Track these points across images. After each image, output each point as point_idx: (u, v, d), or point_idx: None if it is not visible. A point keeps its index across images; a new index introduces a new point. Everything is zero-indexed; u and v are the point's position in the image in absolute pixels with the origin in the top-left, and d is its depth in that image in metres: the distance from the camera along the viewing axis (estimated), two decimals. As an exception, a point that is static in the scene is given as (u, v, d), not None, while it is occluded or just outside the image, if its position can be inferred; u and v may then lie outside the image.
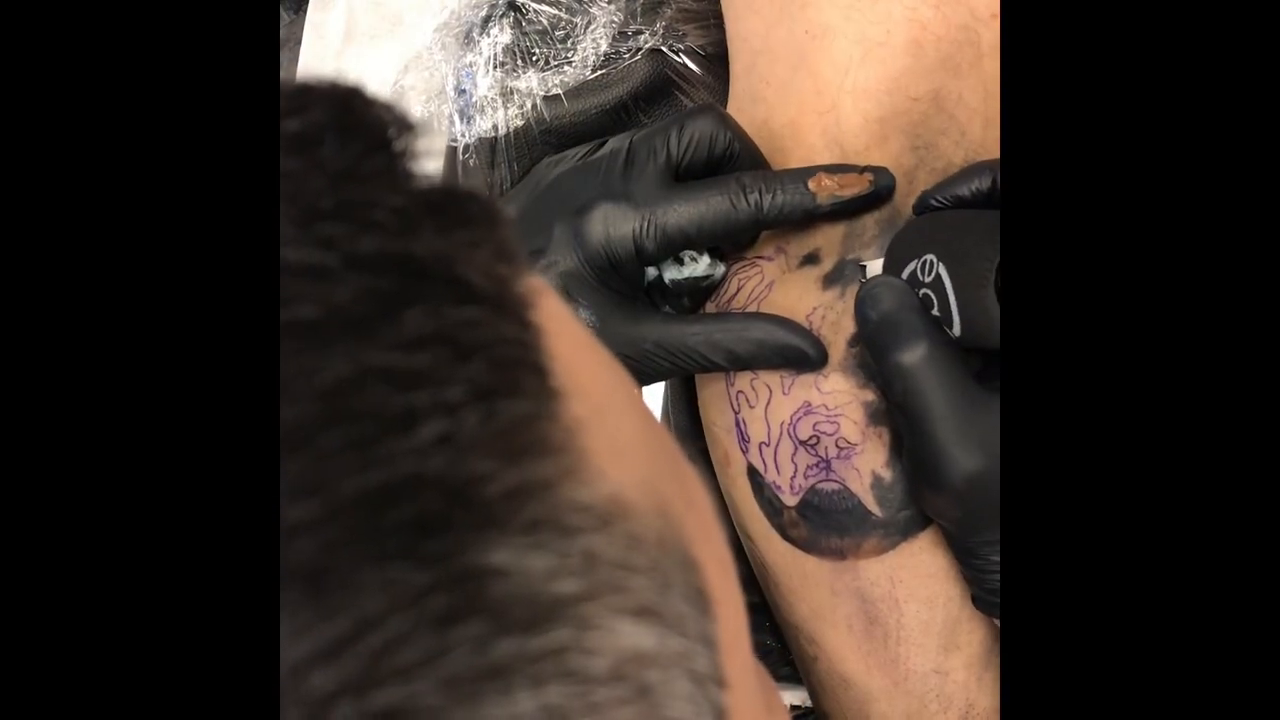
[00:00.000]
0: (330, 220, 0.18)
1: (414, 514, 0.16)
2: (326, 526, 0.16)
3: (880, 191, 0.43)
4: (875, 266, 0.44)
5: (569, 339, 0.21)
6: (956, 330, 0.39)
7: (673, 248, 0.44)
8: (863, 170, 0.43)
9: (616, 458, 0.20)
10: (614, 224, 0.43)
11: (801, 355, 0.43)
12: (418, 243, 0.19)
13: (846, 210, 0.44)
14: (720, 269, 0.47)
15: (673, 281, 0.47)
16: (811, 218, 0.44)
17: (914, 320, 0.39)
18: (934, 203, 0.42)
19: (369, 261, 0.18)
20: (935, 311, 0.39)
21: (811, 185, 0.43)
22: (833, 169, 0.44)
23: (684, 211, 0.43)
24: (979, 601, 0.42)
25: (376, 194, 0.19)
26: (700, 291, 0.48)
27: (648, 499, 0.20)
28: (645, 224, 0.43)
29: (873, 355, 0.40)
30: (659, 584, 0.19)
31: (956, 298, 0.38)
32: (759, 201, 0.43)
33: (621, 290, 0.45)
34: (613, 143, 0.46)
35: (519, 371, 0.19)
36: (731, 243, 0.47)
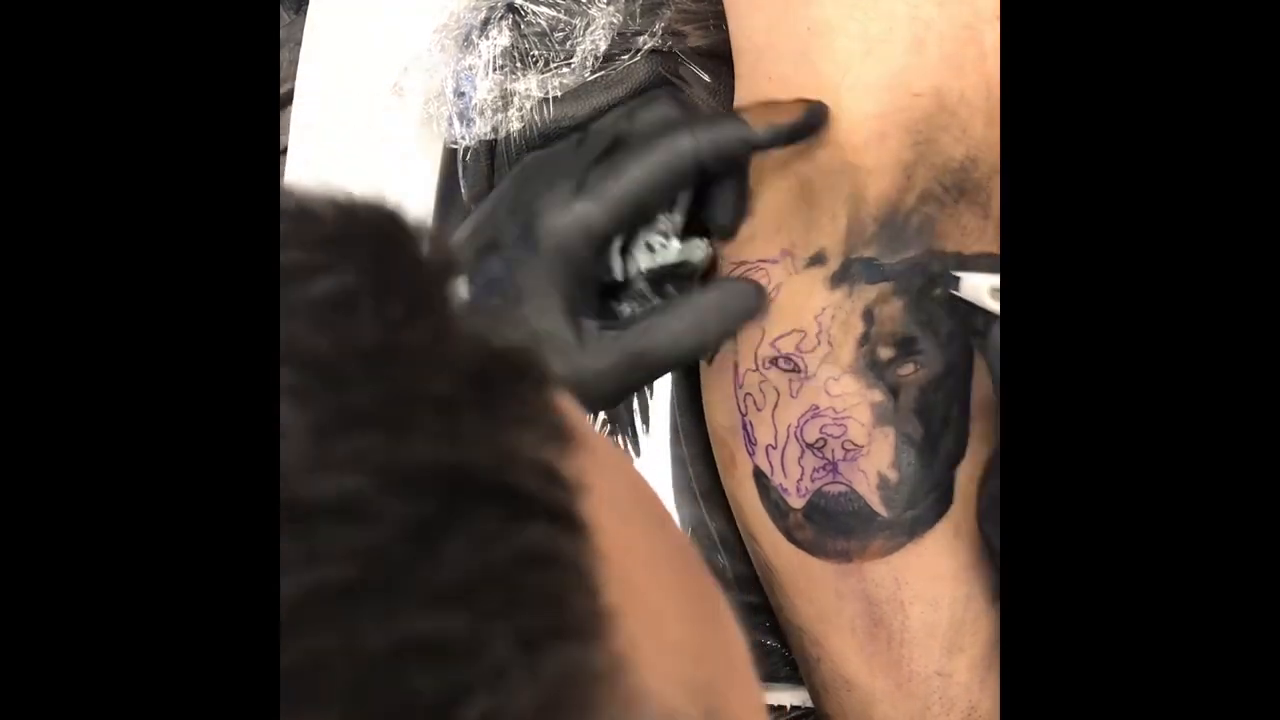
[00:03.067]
0: (364, 429, 0.16)
1: None
2: None
3: (814, 118, 0.43)
4: (973, 281, 0.41)
5: (617, 517, 0.19)
6: None
7: (624, 217, 0.42)
8: (794, 102, 0.43)
9: (665, 666, 0.18)
10: (562, 214, 0.42)
11: (753, 302, 0.43)
12: (464, 446, 0.17)
13: (786, 139, 0.43)
14: (699, 252, 0.46)
15: (649, 270, 0.45)
16: (749, 149, 0.43)
17: None
18: None
19: (409, 482, 0.16)
20: None
21: (745, 116, 0.43)
22: (763, 105, 0.43)
23: (623, 173, 0.42)
24: None
25: (418, 380, 0.17)
26: (683, 279, 0.46)
27: (697, 704, 0.19)
28: (593, 199, 0.42)
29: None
30: None
31: (1004, 319, 0.37)
32: (694, 136, 0.42)
33: (580, 296, 0.43)
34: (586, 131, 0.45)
35: (570, 600, 0.17)
36: (681, 193, 0.45)
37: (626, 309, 0.46)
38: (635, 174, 0.42)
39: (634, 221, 0.44)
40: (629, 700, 0.17)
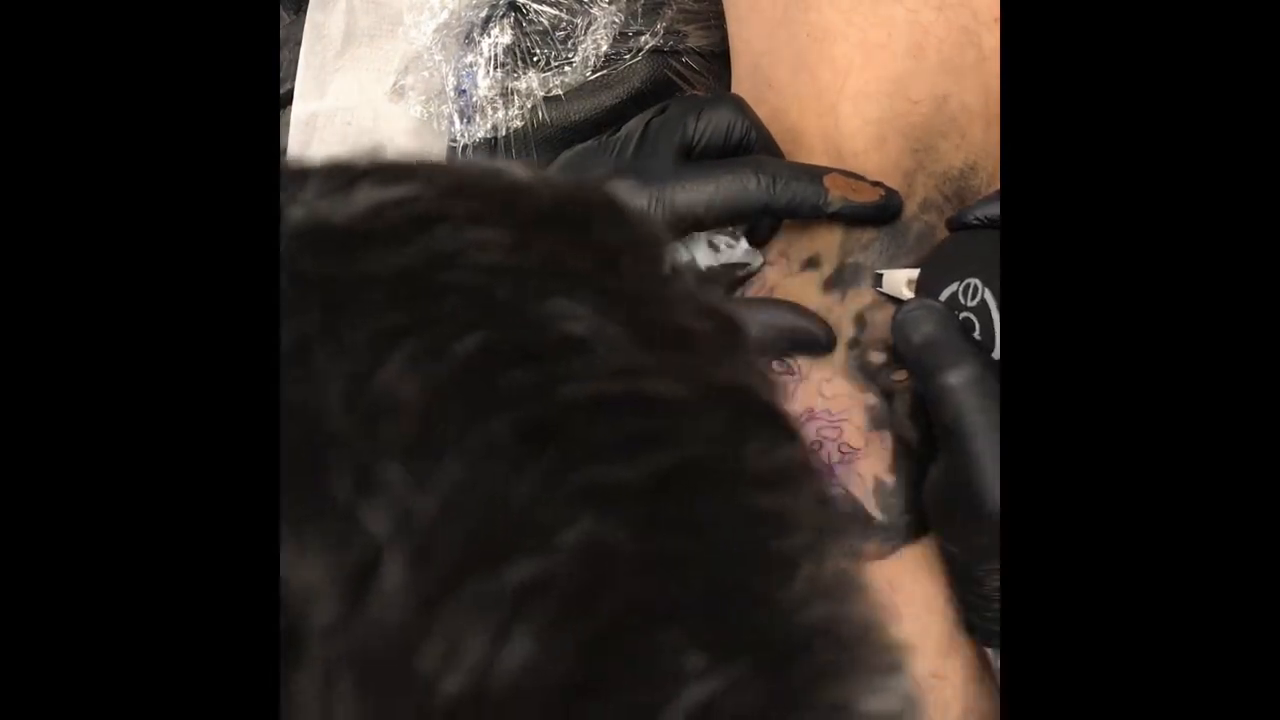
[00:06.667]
0: (674, 348, 0.19)
1: (816, 663, 0.17)
2: (763, 681, 0.17)
3: (889, 208, 0.43)
4: (894, 276, 0.43)
5: None
6: (998, 355, 0.39)
7: (680, 227, 0.43)
8: (875, 184, 0.43)
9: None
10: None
11: (812, 338, 0.43)
12: (735, 371, 0.20)
13: (853, 217, 0.44)
14: (759, 260, 0.46)
15: (708, 268, 0.46)
16: (818, 215, 0.44)
17: (959, 342, 0.39)
18: (974, 221, 0.41)
19: (717, 394, 0.19)
20: (977, 335, 0.39)
21: (826, 182, 0.43)
22: (847, 174, 0.43)
23: (694, 190, 0.42)
24: (977, 631, 0.41)
25: (688, 319, 0.20)
26: (736, 281, 0.47)
27: None
28: (653, 201, 0.42)
29: (918, 378, 0.40)
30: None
31: (1003, 324, 0.38)
32: (771, 187, 0.42)
33: None
34: (628, 125, 0.45)
35: (829, 506, 0.20)
36: (739, 225, 0.46)
37: None
38: (703, 195, 0.42)
39: (687, 232, 0.44)
40: (881, 606, 0.19)
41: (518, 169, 0.22)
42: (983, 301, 0.39)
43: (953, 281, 0.40)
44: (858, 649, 0.18)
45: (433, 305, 0.18)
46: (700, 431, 0.18)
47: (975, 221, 0.41)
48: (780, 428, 0.20)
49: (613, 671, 0.16)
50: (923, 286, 0.42)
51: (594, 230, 0.20)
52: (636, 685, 0.16)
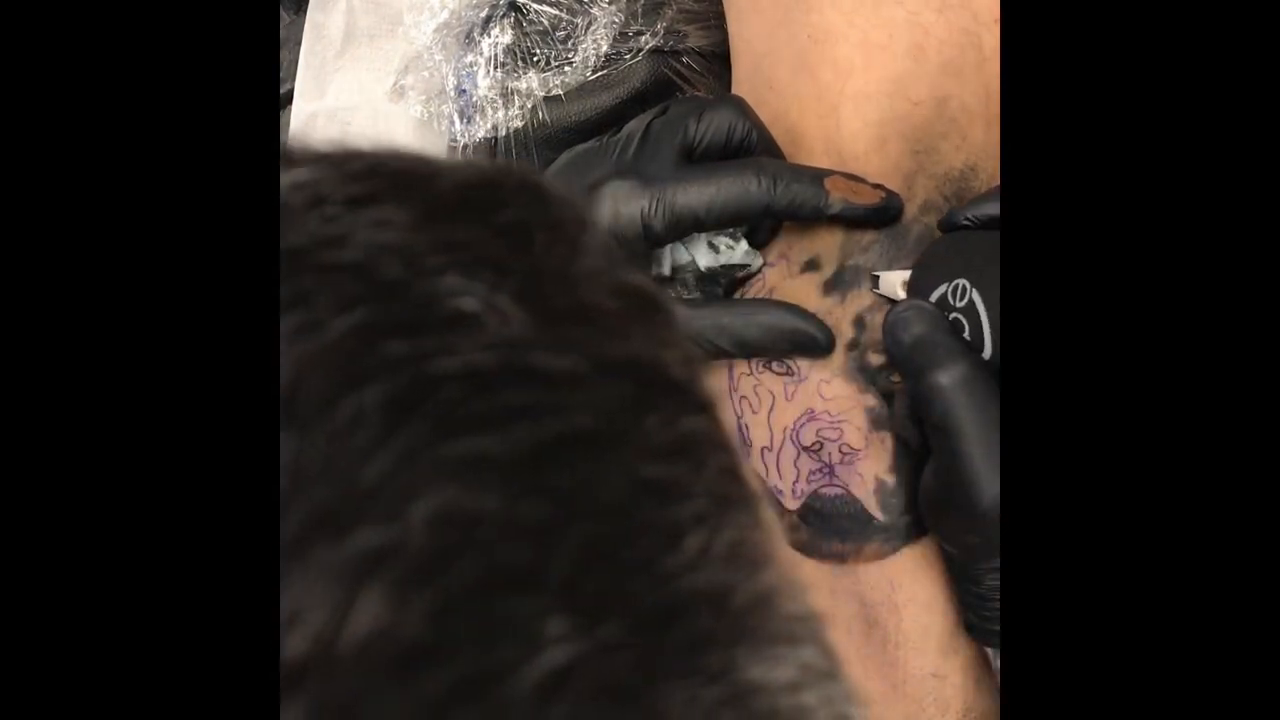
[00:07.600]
0: (572, 323, 0.19)
1: (694, 629, 0.17)
2: (634, 646, 0.16)
3: (889, 210, 0.43)
4: (890, 278, 0.43)
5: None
6: (987, 355, 0.39)
7: (681, 228, 0.43)
8: (876, 186, 0.43)
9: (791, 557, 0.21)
10: (622, 202, 0.42)
11: (810, 340, 0.43)
12: (640, 345, 0.20)
13: (853, 219, 0.44)
14: (758, 261, 0.47)
15: (709, 269, 0.46)
16: (818, 217, 0.44)
17: (949, 342, 0.39)
18: (965, 221, 0.41)
19: (616, 368, 0.19)
20: (966, 336, 0.39)
21: (826, 184, 0.43)
22: (848, 176, 0.43)
23: (695, 191, 0.42)
24: (975, 630, 0.41)
25: (596, 296, 0.20)
26: (735, 282, 0.47)
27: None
28: (654, 203, 0.42)
29: (908, 378, 0.40)
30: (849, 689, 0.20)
31: (991, 324, 0.39)
32: (772, 188, 0.42)
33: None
34: (629, 126, 0.45)
35: (736, 479, 0.20)
36: (741, 227, 0.46)
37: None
38: (704, 197, 0.42)
39: (688, 233, 0.44)
40: (789, 576, 0.20)
41: (441, 156, 0.22)
42: (971, 302, 0.39)
43: (942, 283, 0.40)
44: (750, 618, 0.18)
45: (318, 282, 0.18)
46: (591, 403, 0.18)
47: (966, 222, 0.41)
48: (687, 400, 0.20)
49: (462, 635, 0.16)
50: (914, 288, 0.42)
51: (504, 210, 0.20)
52: (487, 649, 0.16)
